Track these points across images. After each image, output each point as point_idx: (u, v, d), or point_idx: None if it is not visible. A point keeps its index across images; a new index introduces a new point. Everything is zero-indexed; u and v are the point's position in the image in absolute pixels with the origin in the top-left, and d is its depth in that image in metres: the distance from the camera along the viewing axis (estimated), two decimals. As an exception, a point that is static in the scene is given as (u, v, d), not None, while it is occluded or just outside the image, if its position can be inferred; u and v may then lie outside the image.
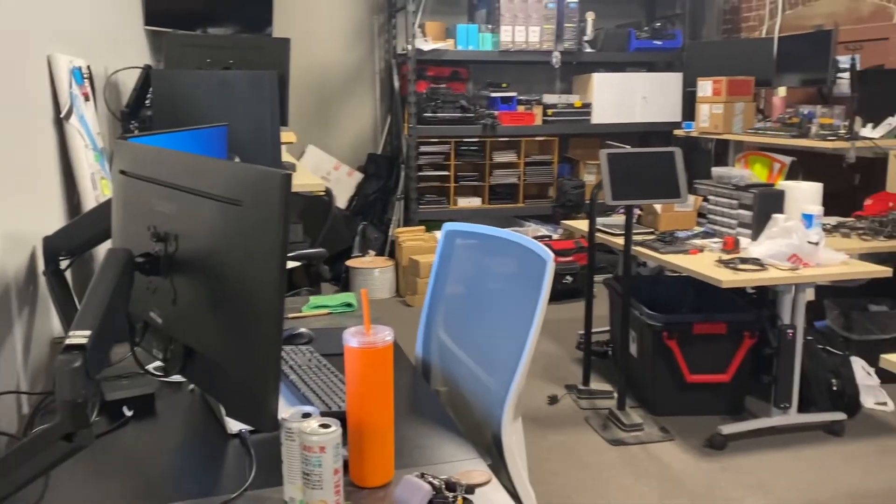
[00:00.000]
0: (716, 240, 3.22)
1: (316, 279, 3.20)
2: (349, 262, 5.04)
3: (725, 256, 2.96)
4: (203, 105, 2.46)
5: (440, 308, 1.79)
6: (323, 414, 1.11)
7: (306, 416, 1.08)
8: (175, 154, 1.21)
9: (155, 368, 1.35)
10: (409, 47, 5.02)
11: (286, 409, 1.09)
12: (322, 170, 5.40)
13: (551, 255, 1.44)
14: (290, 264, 2.84)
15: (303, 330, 1.76)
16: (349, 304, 2.03)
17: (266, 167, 1.04)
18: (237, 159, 2.40)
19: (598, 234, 3.42)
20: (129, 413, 1.35)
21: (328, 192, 3.29)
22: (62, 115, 1.94)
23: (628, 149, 2.88)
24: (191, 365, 1.17)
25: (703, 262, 2.92)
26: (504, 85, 5.47)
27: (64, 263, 1.61)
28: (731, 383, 3.12)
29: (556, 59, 5.27)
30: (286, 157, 3.56)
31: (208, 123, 2.45)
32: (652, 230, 3.50)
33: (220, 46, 2.74)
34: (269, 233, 1.00)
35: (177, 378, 1.46)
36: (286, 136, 4.06)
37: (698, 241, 3.23)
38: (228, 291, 1.06)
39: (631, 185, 2.84)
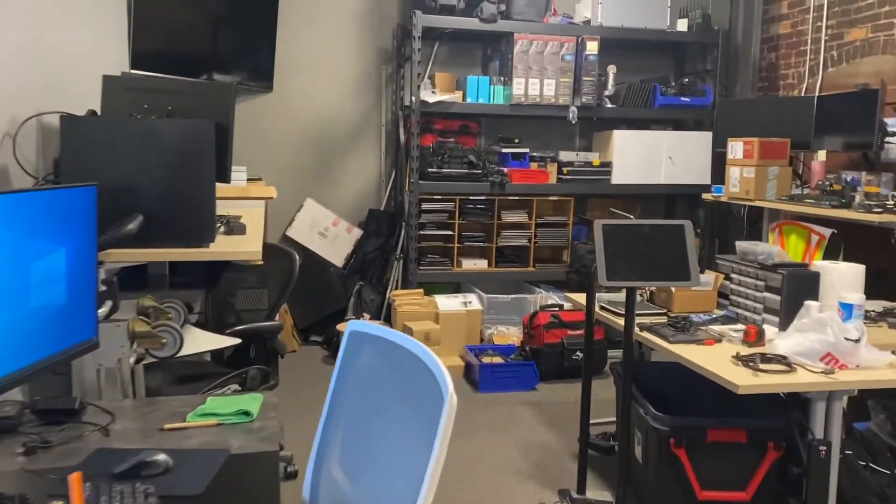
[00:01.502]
0: (737, 327, 2.74)
1: (271, 355, 2.80)
2: (340, 326, 4.63)
3: (746, 351, 2.48)
4: (122, 157, 2.12)
5: (336, 436, 1.36)
6: None
7: None
8: None
9: None
10: (414, 99, 4.68)
11: None
12: (320, 224, 5.05)
13: (450, 387, 1.01)
14: (231, 341, 2.45)
15: (160, 457, 1.34)
16: (247, 413, 1.61)
17: None
18: (140, 219, 2.04)
19: (599, 313, 2.97)
20: None
21: (290, 256, 2.90)
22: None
23: (631, 219, 2.44)
24: None
25: (719, 358, 2.44)
26: (516, 140, 5.10)
27: None
28: None
29: (572, 114, 4.89)
30: (252, 214, 3.20)
31: (124, 177, 2.10)
32: (665, 310, 3.04)
33: (161, 91, 2.41)
34: None
35: None
36: (265, 190, 3.71)
37: (716, 328, 2.75)
38: None
39: (631, 263, 2.39)
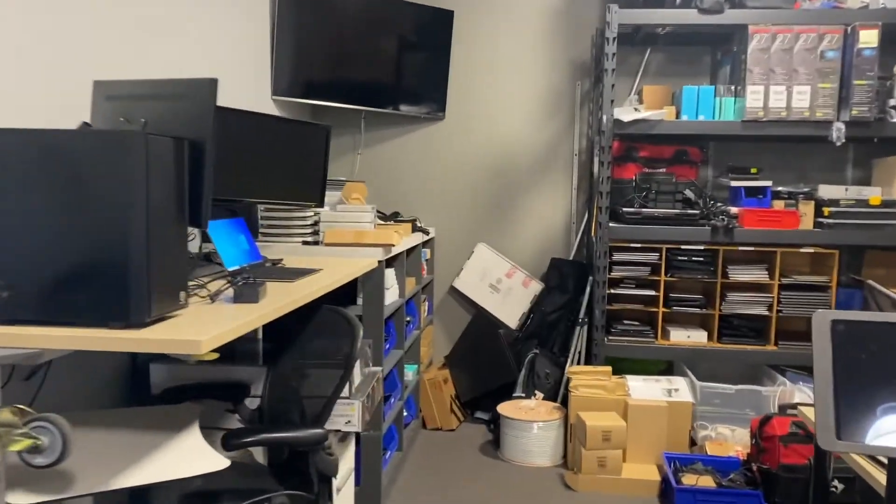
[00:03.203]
0: None
1: (314, 480, 1.93)
2: (501, 407, 3.65)
3: None
4: (13, 184, 1.41)
5: None
6: None
7: None
8: None
9: None
10: (605, 118, 3.62)
11: None
12: (492, 275, 4.14)
13: None
14: (218, 464, 1.62)
15: None
16: None
17: None
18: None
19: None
20: None
21: (352, 329, 2.04)
22: None
23: (879, 317, 1.21)
24: None
25: None
26: (753, 171, 3.76)
27: None
28: None
29: (837, 132, 3.46)
30: (352, 266, 2.41)
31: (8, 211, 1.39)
32: None
33: (133, 97, 1.70)
34: None
35: None
36: (383, 235, 2.90)
37: None
38: None
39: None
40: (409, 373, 3.65)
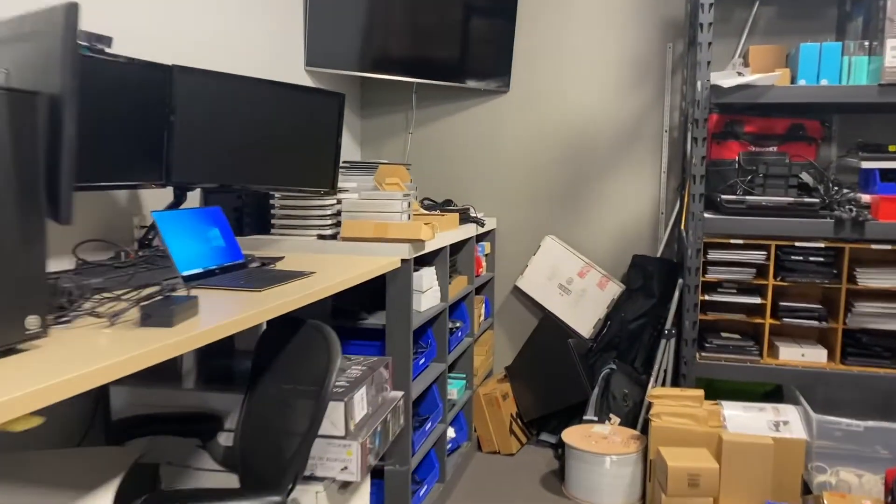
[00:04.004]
0: None
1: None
2: (568, 434, 3.06)
3: None
4: None
5: None
6: None
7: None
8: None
9: None
10: (700, 85, 2.94)
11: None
12: (561, 274, 3.54)
13: None
14: None
15: None
16: None
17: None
18: None
19: None
20: None
21: (328, 346, 1.52)
22: None
23: None
24: None
25: None
26: (892, 149, 2.99)
27: None
28: None
29: None
30: (367, 265, 1.91)
31: None
32: None
33: (5, 40, 1.23)
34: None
35: None
36: (408, 229, 2.38)
37: None
38: None
39: None
40: (454, 391, 3.11)
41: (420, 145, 3.80)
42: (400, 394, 2.19)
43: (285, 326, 1.78)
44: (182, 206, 2.02)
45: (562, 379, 3.39)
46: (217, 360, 2.06)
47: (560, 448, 3.41)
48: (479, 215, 3.46)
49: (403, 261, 2.32)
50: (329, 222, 2.52)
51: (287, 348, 1.76)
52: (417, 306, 2.61)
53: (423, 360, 2.63)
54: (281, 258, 2.16)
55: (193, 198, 2.42)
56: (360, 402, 1.92)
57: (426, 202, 3.45)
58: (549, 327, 3.52)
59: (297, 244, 2.39)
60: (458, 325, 3.15)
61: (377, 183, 2.82)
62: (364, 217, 2.50)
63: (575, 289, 3.51)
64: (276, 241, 2.41)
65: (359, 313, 2.46)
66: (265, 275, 1.79)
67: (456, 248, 3.24)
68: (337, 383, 1.94)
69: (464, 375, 3.27)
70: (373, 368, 2.07)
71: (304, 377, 1.67)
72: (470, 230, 3.16)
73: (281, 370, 1.76)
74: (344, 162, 3.05)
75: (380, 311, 2.59)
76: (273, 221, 2.54)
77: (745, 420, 2.81)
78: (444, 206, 3.36)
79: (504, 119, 3.69)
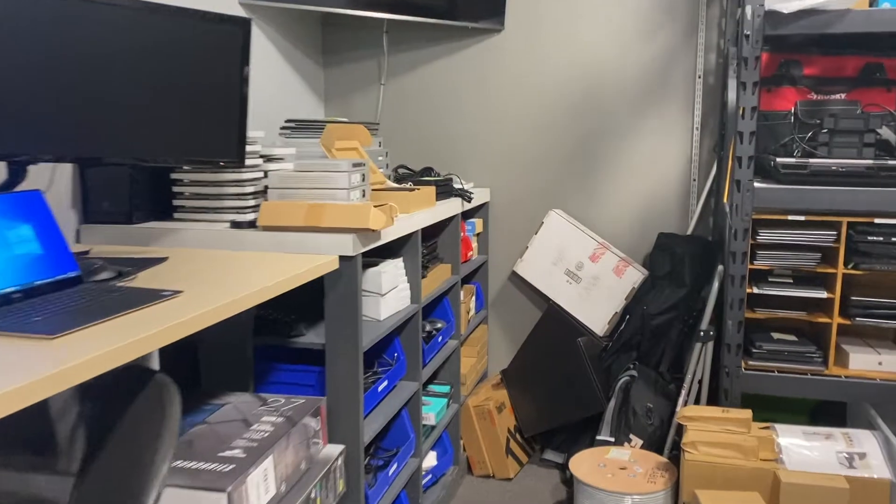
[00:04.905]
0: None
1: None
2: (576, 462, 2.43)
3: None
4: None
5: None
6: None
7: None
8: None
9: None
10: (750, 11, 2.22)
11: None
12: (569, 258, 2.88)
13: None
14: None
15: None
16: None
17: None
18: None
19: None
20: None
21: (161, 392, 0.88)
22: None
23: None
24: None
25: None
26: None
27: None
28: None
29: None
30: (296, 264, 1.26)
31: None
32: None
33: None
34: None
35: None
36: (340, 215, 1.74)
37: None
38: None
39: None
40: (430, 414, 2.47)
41: (395, 100, 3.11)
42: (338, 449, 1.56)
43: (129, 376, 1.15)
44: (21, 188, 1.37)
45: (570, 387, 2.75)
46: (39, 426, 1.43)
47: (566, 467, 2.79)
48: (467, 187, 2.79)
49: (345, 258, 1.67)
50: (250, 204, 1.86)
51: (130, 409, 1.12)
52: (375, 314, 1.96)
53: (384, 385, 1.99)
54: (162, 260, 1.51)
55: (39, 175, 1.77)
56: (263, 483, 1.29)
57: (401, 171, 2.79)
58: (555, 323, 2.87)
59: (203, 236, 1.74)
60: (438, 325, 2.51)
61: (324, 148, 2.15)
62: (298, 196, 1.84)
63: (586, 275, 2.85)
64: (174, 232, 1.76)
65: (294, 326, 1.82)
66: (98, 300, 1.14)
67: (437, 228, 2.58)
68: (229, 453, 1.30)
69: (448, 387, 2.64)
70: (291, 421, 1.43)
71: (142, 457, 1.03)
72: (453, 206, 2.49)
73: (118, 443, 1.13)
74: (287, 121, 2.39)
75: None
76: (177, 203, 1.89)
77: (807, 452, 2.16)
78: (422, 175, 2.69)
79: (498, 66, 3.00)
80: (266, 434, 1.37)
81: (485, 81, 3.01)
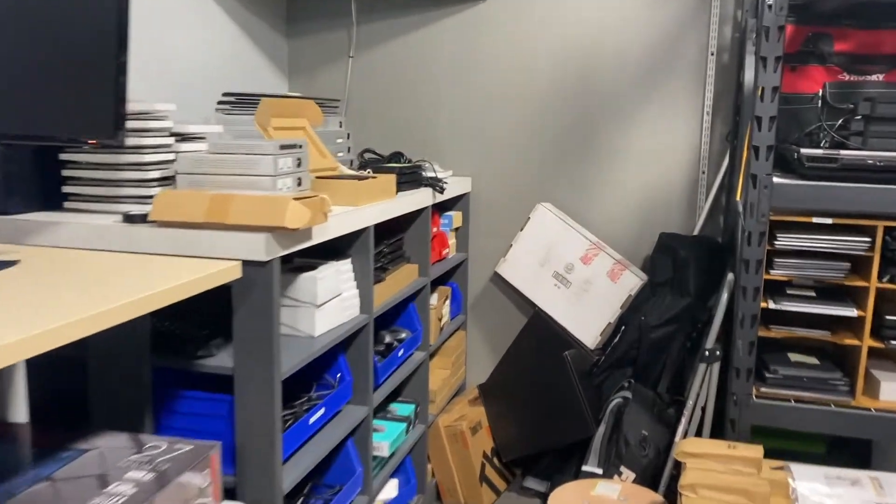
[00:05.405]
0: None
1: None
2: (556, 498, 2.09)
3: None
4: None
5: None
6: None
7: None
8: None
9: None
10: (774, -29, 1.85)
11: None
12: (558, 258, 2.53)
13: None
14: None
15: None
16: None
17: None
18: None
19: None
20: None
21: None
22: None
23: None
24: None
25: None
26: None
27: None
28: None
29: None
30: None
31: None
32: None
33: None
34: None
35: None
36: (261, 211, 1.38)
37: None
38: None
39: None
40: (384, 443, 2.12)
41: (365, 76, 2.76)
42: (234, 509, 1.22)
43: None
44: None
45: (555, 406, 2.41)
46: None
47: (546, 497, 2.45)
48: (443, 175, 2.44)
49: (253, 264, 1.33)
50: (153, 192, 1.53)
51: None
52: (309, 329, 1.62)
53: (319, 413, 1.65)
54: (10, 264, 1.18)
55: None
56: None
57: (367, 156, 2.44)
58: (540, 332, 2.53)
59: (85, 232, 1.40)
60: (401, 336, 2.17)
61: (259, 127, 1.81)
62: (213, 185, 1.50)
63: (576, 279, 2.50)
64: (52, 226, 1.42)
65: (202, 344, 1.49)
66: None
67: (404, 223, 2.24)
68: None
69: (412, 406, 2.30)
70: (163, 479, 1.10)
71: None
72: (421, 198, 2.15)
73: None
74: (225, 94, 2.05)
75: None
76: (67, 190, 1.55)
77: (829, 501, 1.81)
78: (390, 162, 2.35)
79: (481, 39, 2.64)
80: (121, 501, 1.04)
81: (466, 56, 2.66)
